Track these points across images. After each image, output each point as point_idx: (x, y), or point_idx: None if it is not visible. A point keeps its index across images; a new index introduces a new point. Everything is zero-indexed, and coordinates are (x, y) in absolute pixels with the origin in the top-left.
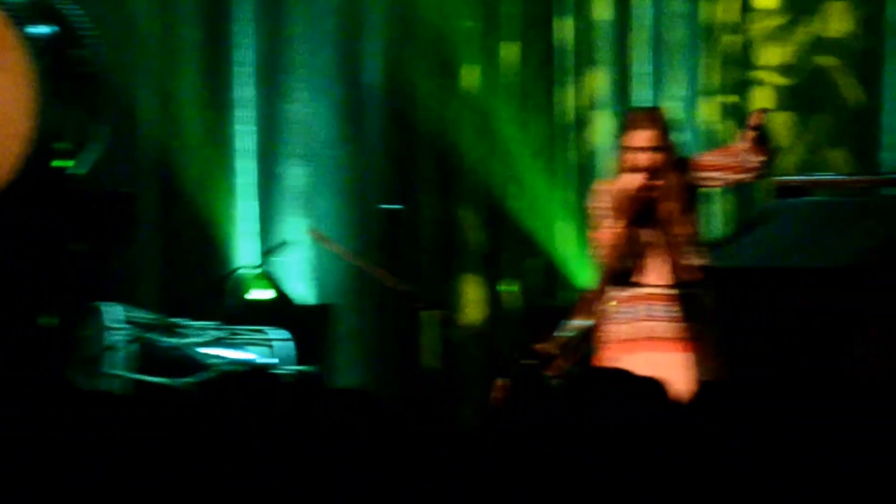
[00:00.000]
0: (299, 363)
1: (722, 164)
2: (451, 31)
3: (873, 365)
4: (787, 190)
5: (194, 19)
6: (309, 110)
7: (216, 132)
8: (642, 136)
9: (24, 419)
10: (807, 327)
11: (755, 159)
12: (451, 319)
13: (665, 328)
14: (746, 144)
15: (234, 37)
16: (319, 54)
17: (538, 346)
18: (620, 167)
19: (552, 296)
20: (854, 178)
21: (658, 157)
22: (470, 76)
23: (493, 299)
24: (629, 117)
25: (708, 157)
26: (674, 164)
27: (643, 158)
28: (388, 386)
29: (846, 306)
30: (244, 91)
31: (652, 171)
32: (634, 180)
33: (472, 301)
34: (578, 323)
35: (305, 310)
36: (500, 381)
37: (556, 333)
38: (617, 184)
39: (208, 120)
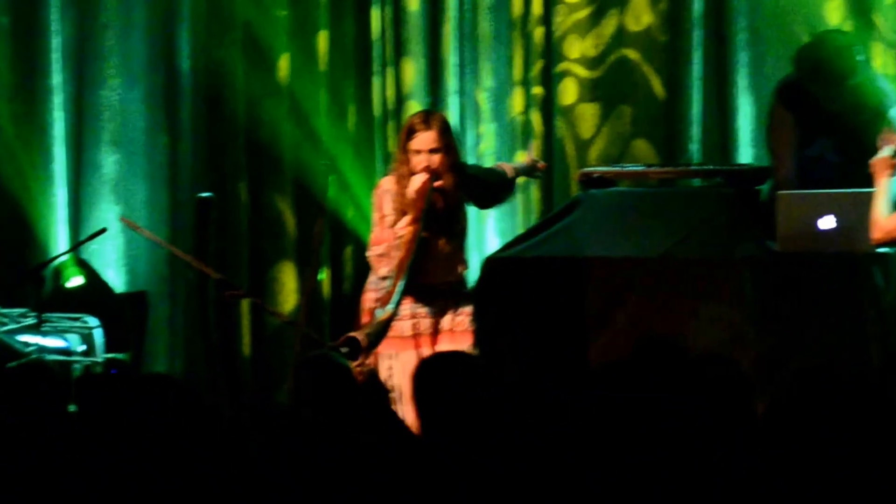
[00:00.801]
0: (115, 350)
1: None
2: (265, 19)
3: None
4: (592, 180)
5: (3, 4)
6: (123, 98)
7: (31, 119)
8: (423, 139)
9: None
10: (619, 313)
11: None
12: (264, 307)
13: (431, 324)
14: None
15: (46, 23)
16: (133, 42)
17: (351, 335)
18: (403, 168)
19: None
20: (659, 169)
21: (438, 158)
22: (284, 65)
23: (308, 287)
24: (410, 120)
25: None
26: (454, 165)
27: (425, 160)
28: (203, 373)
29: (650, 294)
30: (57, 78)
31: (433, 173)
32: (416, 181)
33: (287, 289)
34: (383, 313)
35: (120, 297)
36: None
37: (373, 320)
38: (400, 184)
39: (22, 107)
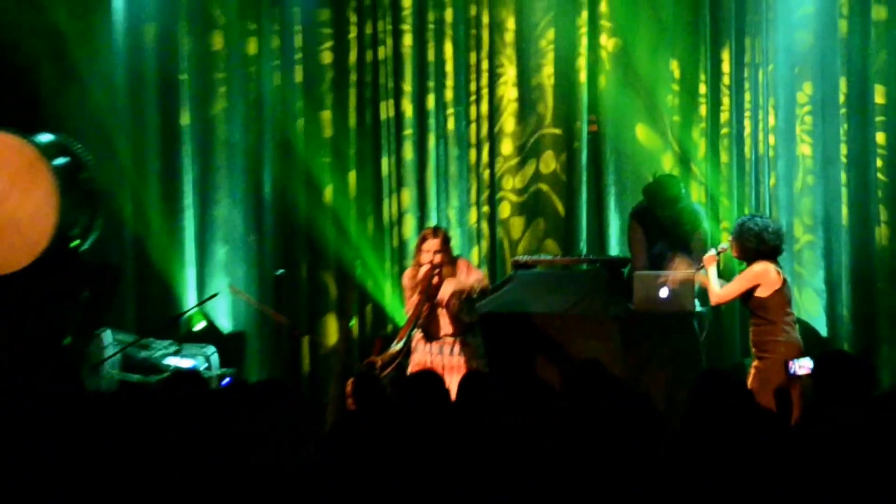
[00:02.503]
0: (225, 367)
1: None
2: (317, 163)
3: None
4: (520, 265)
5: (154, 152)
6: (229, 213)
7: (173, 229)
8: (430, 244)
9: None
10: (541, 351)
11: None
12: (316, 342)
13: (441, 361)
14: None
15: (181, 166)
16: (235, 177)
17: (372, 359)
18: (417, 260)
19: (382, 328)
20: (560, 258)
21: (439, 257)
22: (329, 192)
23: (344, 330)
24: (424, 232)
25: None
26: (450, 261)
27: (430, 258)
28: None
29: (557, 336)
30: (188, 200)
31: (435, 266)
32: (423, 270)
33: (331, 331)
34: (395, 347)
35: (228, 335)
36: (351, 381)
37: (385, 351)
38: (414, 270)
39: (167, 222)
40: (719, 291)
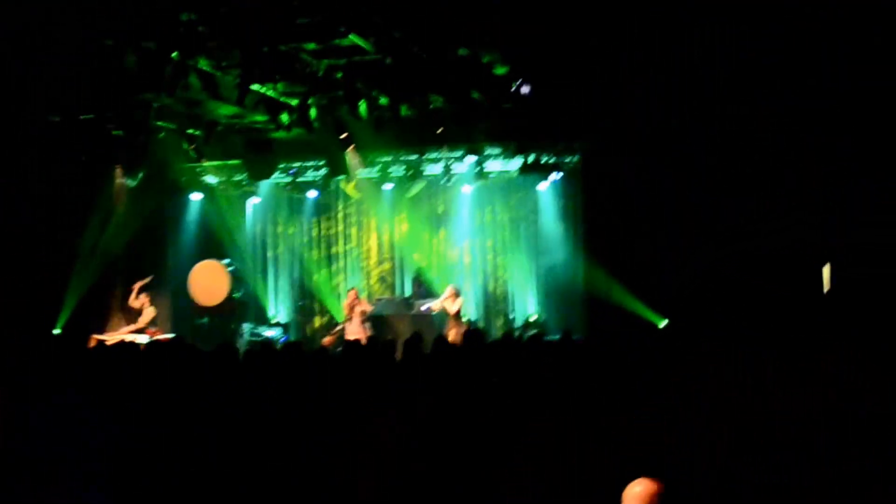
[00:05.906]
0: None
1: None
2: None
3: None
4: (377, 300)
5: None
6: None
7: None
8: (350, 295)
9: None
10: None
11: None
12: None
13: (360, 334)
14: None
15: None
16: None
17: (335, 329)
18: (347, 302)
19: (334, 321)
20: (389, 297)
21: (354, 300)
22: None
23: (322, 324)
24: (348, 292)
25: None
26: (358, 301)
27: (350, 301)
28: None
29: None
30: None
31: (351, 303)
32: (348, 303)
33: (317, 322)
34: (338, 329)
35: (283, 324)
36: (324, 341)
37: (333, 331)
38: (346, 304)
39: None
40: (439, 304)
